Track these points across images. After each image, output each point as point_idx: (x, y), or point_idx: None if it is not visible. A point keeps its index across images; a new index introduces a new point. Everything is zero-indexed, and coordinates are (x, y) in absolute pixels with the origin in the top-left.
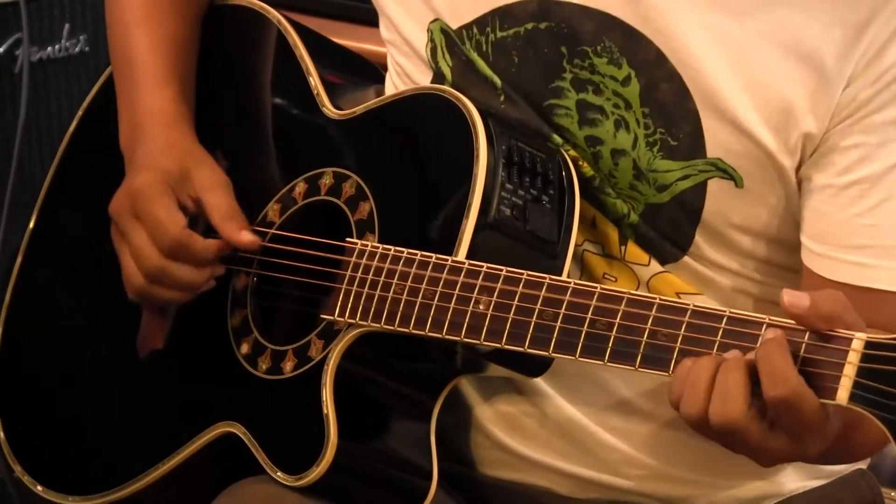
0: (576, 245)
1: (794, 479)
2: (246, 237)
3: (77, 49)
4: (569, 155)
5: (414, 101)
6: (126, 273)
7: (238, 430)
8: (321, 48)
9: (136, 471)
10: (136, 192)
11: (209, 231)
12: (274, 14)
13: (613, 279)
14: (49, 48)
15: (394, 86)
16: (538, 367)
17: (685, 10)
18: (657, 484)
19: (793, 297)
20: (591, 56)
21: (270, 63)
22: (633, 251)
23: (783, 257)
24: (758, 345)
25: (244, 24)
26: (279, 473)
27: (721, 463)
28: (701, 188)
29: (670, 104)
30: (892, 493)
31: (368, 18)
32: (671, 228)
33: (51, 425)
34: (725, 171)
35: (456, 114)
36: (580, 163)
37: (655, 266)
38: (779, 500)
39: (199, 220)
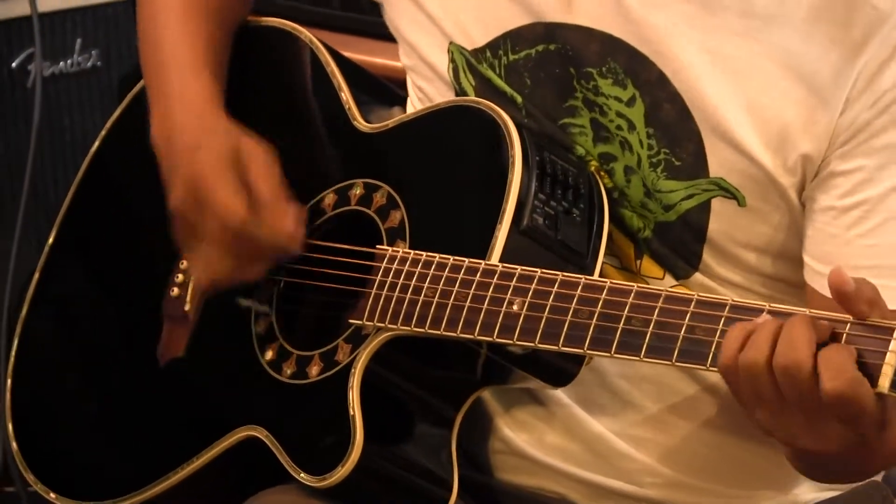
0: None
1: (807, 490)
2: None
3: (89, 63)
4: (592, 167)
5: (449, 113)
6: (209, 263)
7: (261, 433)
8: (350, 69)
9: (154, 476)
10: (195, 177)
11: None
12: (305, 33)
13: None
14: (61, 63)
15: (415, 109)
16: (565, 374)
17: (685, 32)
18: (672, 493)
19: (843, 275)
20: (596, 77)
21: (302, 79)
22: (649, 266)
23: (789, 273)
24: None
25: (276, 42)
26: (302, 475)
27: (737, 473)
28: (705, 207)
29: (673, 124)
30: None
31: (384, 33)
32: (681, 246)
33: (66, 434)
34: (728, 191)
35: (491, 124)
36: (601, 173)
37: (670, 280)
38: None
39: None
